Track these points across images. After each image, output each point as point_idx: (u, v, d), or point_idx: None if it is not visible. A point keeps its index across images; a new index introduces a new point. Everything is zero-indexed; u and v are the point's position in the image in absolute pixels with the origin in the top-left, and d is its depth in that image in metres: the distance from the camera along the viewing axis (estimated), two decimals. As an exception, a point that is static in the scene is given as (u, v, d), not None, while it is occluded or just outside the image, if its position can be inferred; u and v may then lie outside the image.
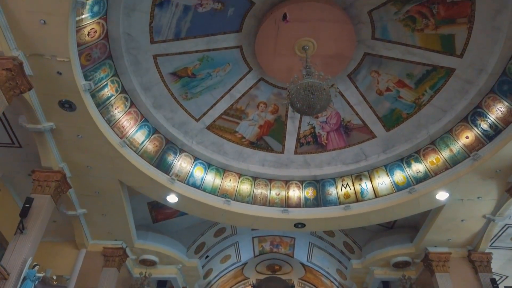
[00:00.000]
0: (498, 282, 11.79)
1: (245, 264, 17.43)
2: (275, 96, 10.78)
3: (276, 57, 9.53)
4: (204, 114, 10.78)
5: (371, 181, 11.18)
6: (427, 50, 9.16)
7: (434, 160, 10.22)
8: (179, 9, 8.52)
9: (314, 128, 11.31)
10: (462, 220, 10.88)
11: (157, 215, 12.97)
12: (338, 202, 11.35)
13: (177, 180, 10.56)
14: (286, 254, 16.88)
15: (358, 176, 11.40)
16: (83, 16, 7.13)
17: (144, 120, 10.01)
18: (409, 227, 12.59)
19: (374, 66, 9.86)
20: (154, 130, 10.29)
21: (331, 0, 8.69)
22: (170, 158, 10.65)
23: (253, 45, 9.46)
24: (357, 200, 11.19)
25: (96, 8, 7.35)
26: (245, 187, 11.59)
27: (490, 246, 11.92)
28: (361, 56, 9.71)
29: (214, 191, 11.16)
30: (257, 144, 11.56)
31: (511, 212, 10.50)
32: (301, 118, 11.02)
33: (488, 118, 9.05)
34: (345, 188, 11.42)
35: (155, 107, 10.04)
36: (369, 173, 11.28)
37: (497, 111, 8.84)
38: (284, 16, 8.55)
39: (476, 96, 9.15)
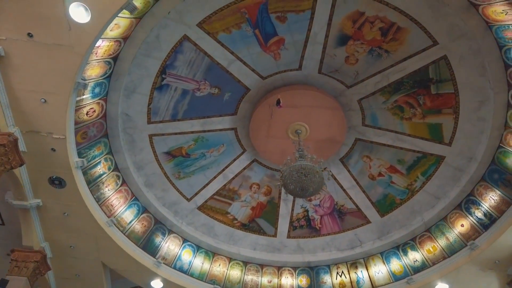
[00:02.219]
0: None
1: None
2: (268, 178, 10.78)
3: (270, 140, 9.74)
4: (196, 194, 10.64)
5: (367, 270, 10.69)
6: (416, 138, 9.43)
7: (431, 249, 9.91)
8: (178, 92, 8.89)
9: (307, 211, 11.13)
10: (463, 315, 10.21)
11: (140, 301, 12.07)
12: (333, 292, 10.73)
13: (164, 263, 10.03)
14: None
15: (353, 264, 10.93)
16: (84, 97, 7.38)
17: (134, 198, 9.82)
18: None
19: (365, 151, 10.05)
20: (143, 209, 10.05)
21: (323, 89, 9.17)
22: (158, 239, 10.24)
23: (247, 127, 9.72)
24: (353, 290, 10.58)
25: (97, 90, 7.64)
26: (235, 272, 10.99)
27: None
28: (352, 141, 9.96)
29: (202, 277, 10.55)
30: (249, 226, 11.25)
31: (515, 307, 9.92)
32: (294, 201, 10.89)
33: (481, 206, 9.00)
34: (341, 276, 10.87)
35: (146, 186, 9.94)
36: (365, 260, 10.84)
37: (490, 199, 8.82)
38: (278, 102, 8.94)
39: (468, 184, 9.20)
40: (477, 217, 9.10)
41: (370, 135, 9.74)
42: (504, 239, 8.47)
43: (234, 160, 10.41)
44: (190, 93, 8.98)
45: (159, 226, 10.35)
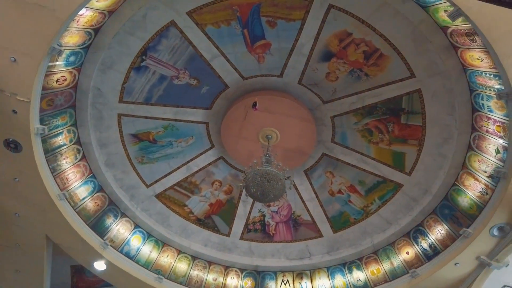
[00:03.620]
0: None
1: None
2: (232, 177, 10.79)
3: (239, 140, 9.75)
4: (156, 181, 10.47)
5: (311, 282, 10.90)
6: (379, 163, 9.73)
7: (375, 271, 10.24)
8: (155, 77, 8.74)
9: (264, 216, 11.22)
10: None
11: (79, 281, 11.72)
12: (275, 298, 10.86)
13: (111, 245, 9.80)
14: None
15: (299, 274, 11.12)
16: (57, 63, 7.11)
17: (91, 176, 9.54)
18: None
19: (330, 167, 10.27)
20: (99, 188, 9.78)
21: (300, 99, 9.29)
22: (109, 220, 10.00)
23: (219, 124, 9.69)
24: (294, 300, 10.76)
25: (72, 59, 7.38)
26: (182, 266, 10.90)
27: None
28: (319, 155, 10.14)
29: (147, 265, 10.38)
30: (204, 222, 11.20)
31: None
32: (253, 204, 10.95)
33: (428, 237, 9.41)
34: (285, 284, 11.02)
35: (106, 165, 9.68)
36: (311, 272, 11.05)
37: (437, 232, 9.23)
38: (254, 104, 8.97)
39: (419, 214, 9.59)
40: (422, 247, 9.50)
41: (337, 152, 9.96)
42: (444, 272, 8.89)
43: (201, 154, 10.34)
44: (168, 80, 8.85)
45: (112, 207, 10.11)
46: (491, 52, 6.11)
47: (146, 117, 9.40)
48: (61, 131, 8.36)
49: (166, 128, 9.73)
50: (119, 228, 10.19)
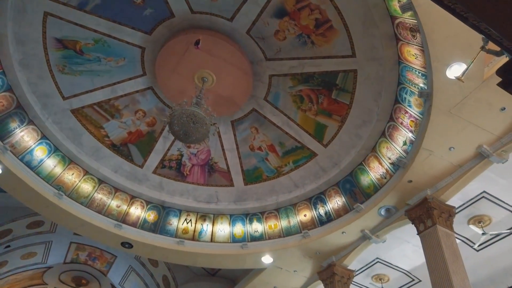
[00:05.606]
0: None
1: (49, 268, 15.45)
2: (158, 110, 10.49)
3: (174, 75, 9.42)
4: (75, 96, 9.79)
5: (213, 225, 11.40)
6: (302, 130, 10.18)
7: (272, 225, 11.03)
8: (96, -19, 7.91)
9: (182, 156, 11.23)
10: (274, 287, 11.74)
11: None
12: (175, 234, 11.19)
13: (11, 151, 9.12)
14: (100, 270, 15.60)
15: (203, 216, 11.53)
16: None
17: (1, 72, 8.58)
18: (229, 279, 13.02)
19: (256, 123, 10.50)
20: (8, 87, 8.88)
21: (244, 50, 9.16)
22: (13, 124, 9.23)
23: (156, 52, 9.20)
24: (193, 239, 11.20)
25: None
26: (86, 186, 10.60)
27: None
28: (249, 109, 10.27)
29: (48, 179, 9.91)
30: (119, 149, 10.87)
31: (315, 291, 11.76)
32: (173, 142, 10.86)
33: (326, 205, 10.32)
34: (187, 223, 11.39)
35: (21, 65, 8.76)
36: (214, 217, 11.52)
37: (335, 202, 10.15)
38: (197, 42, 8.65)
39: (324, 184, 10.40)
40: (319, 213, 10.41)
41: (267, 111, 10.17)
42: (331, 237, 9.93)
43: (130, 79, 9.81)
44: (110, -11, 8.07)
45: (19, 111, 9.30)
46: (426, 52, 6.58)
47: (76, 24, 8.55)
48: (-29, 12, 7.29)
49: (97, 42, 8.99)
50: (24, 135, 9.48)
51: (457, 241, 8.14)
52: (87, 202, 10.51)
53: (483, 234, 8.80)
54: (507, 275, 9.83)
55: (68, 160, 10.40)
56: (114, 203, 10.91)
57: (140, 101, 10.31)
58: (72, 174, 10.43)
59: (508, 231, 8.94)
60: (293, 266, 10.99)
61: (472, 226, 8.98)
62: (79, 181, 10.51)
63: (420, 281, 10.81)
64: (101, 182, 10.89)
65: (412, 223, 8.52)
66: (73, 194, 10.33)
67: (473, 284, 7.68)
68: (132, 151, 10.99)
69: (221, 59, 9.08)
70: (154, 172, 11.30)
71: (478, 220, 8.95)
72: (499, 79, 2.64)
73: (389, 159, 8.83)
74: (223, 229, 11.34)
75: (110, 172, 10.96)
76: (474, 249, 9.42)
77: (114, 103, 10.20)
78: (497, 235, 9.07)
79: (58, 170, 10.17)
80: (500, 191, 8.43)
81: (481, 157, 7.60)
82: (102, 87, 9.83)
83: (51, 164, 10.07)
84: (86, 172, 10.70)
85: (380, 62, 8.23)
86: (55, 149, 10.17)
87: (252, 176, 11.26)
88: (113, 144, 10.77)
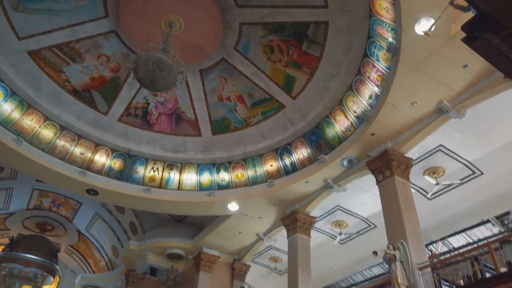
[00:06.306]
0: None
1: (11, 214, 15.19)
2: (122, 56, 10.04)
3: (140, 18, 8.95)
4: (31, 36, 9.16)
5: (180, 174, 11.50)
6: (271, 81, 10.14)
7: (239, 175, 11.26)
8: None
9: (148, 104, 10.99)
10: (239, 232, 12.25)
11: None
12: (141, 182, 11.23)
13: (-37, 94, 8.57)
14: (65, 217, 15.53)
15: (170, 165, 11.57)
16: None
17: None
18: (195, 225, 13.40)
19: (225, 73, 10.32)
20: (-45, 24, 8.15)
21: (214, -6, 8.77)
22: (-36, 65, 8.59)
23: (120, -7, 8.64)
24: (160, 187, 11.30)
25: None
26: (47, 133, 10.25)
27: (252, 260, 13.74)
28: (218, 58, 10.02)
29: (6, 124, 9.48)
30: (81, 95, 10.45)
31: (277, 237, 12.36)
32: (139, 89, 10.55)
33: (292, 156, 10.60)
34: (154, 172, 11.41)
35: (-32, -2, 8.00)
36: (181, 165, 11.59)
37: (301, 153, 10.44)
38: (164, -17, 8.17)
39: (291, 135, 10.60)
40: (285, 163, 10.70)
41: (236, 61, 9.98)
42: (295, 186, 10.33)
43: (91, 20, 9.23)
44: None
45: (-30, 51, 8.63)
46: (397, 5, 6.58)
47: (30, -45, 7.82)
48: None
49: (55, -23, 8.31)
50: (-24, 77, 8.88)
51: (412, 190, 8.68)
52: (49, 149, 10.23)
53: (436, 184, 9.44)
54: (455, 222, 10.76)
55: (26, 105, 9.94)
56: (77, 150, 10.69)
57: (103, 45, 9.80)
58: (32, 119, 10.01)
59: (459, 181, 9.63)
60: (258, 213, 11.43)
61: (427, 177, 9.58)
62: (39, 127, 10.13)
63: (376, 226, 11.61)
64: (63, 128, 10.56)
65: (372, 174, 8.98)
66: (34, 140, 9.99)
67: (424, 230, 8.35)
68: (95, 97, 10.61)
69: (190, 5, 8.68)
70: (119, 120, 11.05)
71: (433, 171, 9.54)
72: (464, 36, 2.72)
73: (355, 112, 9.06)
74: (190, 177, 11.47)
75: (73, 118, 10.61)
76: (427, 198, 10.14)
77: (75, 46, 9.65)
78: (449, 185, 9.76)
79: (16, 115, 9.72)
80: (456, 145, 8.97)
81: (440, 112, 7.96)
82: (62, 28, 9.22)
83: (8, 109, 9.60)
84: (47, 118, 10.30)
85: (351, 14, 8.17)
86: (12, 93, 9.64)
87: (220, 127, 11.27)
88: (74, 89, 10.32)
